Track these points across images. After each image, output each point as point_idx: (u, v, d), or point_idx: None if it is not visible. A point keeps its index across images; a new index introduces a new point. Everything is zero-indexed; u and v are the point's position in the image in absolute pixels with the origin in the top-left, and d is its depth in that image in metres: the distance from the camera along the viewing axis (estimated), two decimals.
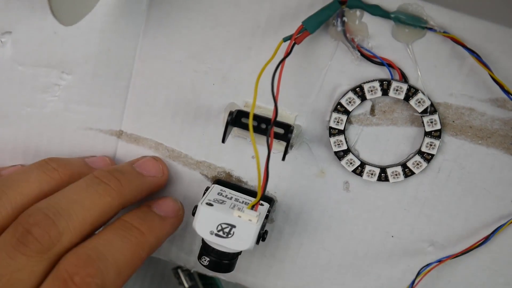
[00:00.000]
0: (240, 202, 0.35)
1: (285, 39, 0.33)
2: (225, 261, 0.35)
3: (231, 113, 0.34)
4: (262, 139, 0.37)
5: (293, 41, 0.33)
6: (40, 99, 0.37)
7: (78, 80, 0.37)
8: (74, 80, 0.37)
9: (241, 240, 0.33)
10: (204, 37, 0.35)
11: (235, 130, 0.37)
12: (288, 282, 0.40)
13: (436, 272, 0.38)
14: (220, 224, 0.33)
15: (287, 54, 0.32)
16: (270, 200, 0.38)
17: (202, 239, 0.35)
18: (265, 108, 0.36)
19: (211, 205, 0.34)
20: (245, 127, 0.36)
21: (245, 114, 0.36)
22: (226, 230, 0.33)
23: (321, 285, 0.40)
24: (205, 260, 0.35)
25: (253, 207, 0.34)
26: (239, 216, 0.33)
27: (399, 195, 0.37)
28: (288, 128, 0.35)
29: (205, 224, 0.34)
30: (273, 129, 0.32)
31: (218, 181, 0.38)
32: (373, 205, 0.37)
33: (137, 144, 0.39)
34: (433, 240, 0.37)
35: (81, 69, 0.36)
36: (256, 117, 0.36)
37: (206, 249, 0.35)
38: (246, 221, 0.33)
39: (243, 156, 0.37)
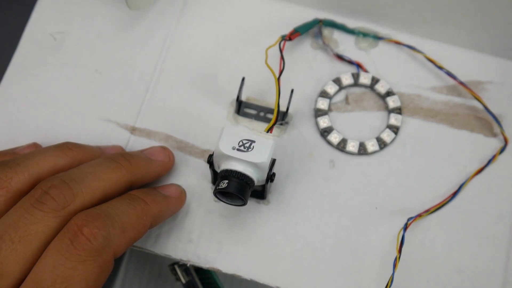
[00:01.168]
0: None
1: (282, 36, 0.45)
2: (243, 182, 0.38)
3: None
4: (262, 126, 0.44)
5: (289, 36, 0.45)
6: (75, 87, 0.43)
7: (108, 77, 0.44)
8: (104, 77, 0.44)
9: (260, 153, 0.38)
10: (215, 51, 0.46)
11: (239, 120, 0.44)
12: (286, 267, 0.41)
13: (420, 239, 0.42)
14: (241, 140, 0.38)
15: (288, 38, 0.44)
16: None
17: (220, 172, 0.38)
18: (262, 100, 0.45)
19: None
20: (248, 116, 0.44)
21: (249, 105, 0.45)
22: (247, 145, 0.38)
23: (318, 267, 0.41)
24: (223, 183, 0.38)
25: (268, 131, 0.39)
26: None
27: (377, 168, 0.43)
28: (283, 114, 0.44)
29: (228, 141, 0.38)
30: (280, 80, 0.41)
31: None
32: (356, 179, 0.43)
33: (148, 137, 0.44)
34: (411, 208, 0.42)
35: (112, 69, 0.44)
36: (255, 106, 0.44)
37: (224, 175, 0.38)
38: (264, 138, 0.38)
39: None
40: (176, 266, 0.44)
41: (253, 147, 0.38)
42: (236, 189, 0.38)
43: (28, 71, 0.44)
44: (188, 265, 0.42)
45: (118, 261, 0.51)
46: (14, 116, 0.43)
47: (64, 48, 0.45)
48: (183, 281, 0.43)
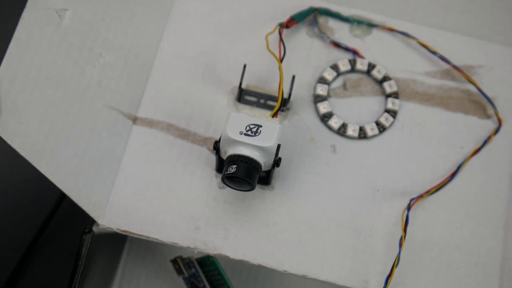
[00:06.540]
0: None
1: (280, 24, 0.45)
2: (251, 167, 0.38)
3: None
4: (262, 113, 0.44)
5: (286, 24, 0.45)
6: (80, 70, 0.42)
7: (112, 64, 0.44)
8: (109, 63, 0.43)
9: (267, 137, 0.38)
10: (214, 40, 0.46)
11: (239, 107, 0.44)
12: (292, 251, 0.41)
13: (422, 220, 0.43)
14: (248, 125, 0.39)
15: (285, 26, 0.45)
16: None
17: (227, 158, 0.38)
18: (260, 87, 0.45)
19: None
20: (248, 103, 0.45)
21: (249, 93, 0.45)
22: (254, 129, 0.38)
23: (324, 250, 0.42)
24: (232, 168, 0.38)
25: (273, 116, 0.40)
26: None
27: (377, 152, 0.44)
28: (284, 101, 0.44)
29: (235, 127, 0.39)
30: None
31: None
32: (357, 163, 0.44)
33: (150, 127, 0.44)
34: (412, 190, 0.43)
35: (116, 55, 0.44)
36: (256, 94, 0.45)
37: (232, 160, 0.38)
38: (270, 122, 0.39)
39: None
40: (178, 260, 0.44)
41: (260, 131, 0.39)
42: (244, 173, 0.38)
43: (31, 47, 0.42)
44: (192, 258, 0.42)
45: (116, 257, 0.51)
46: (20, 96, 0.41)
47: (68, 27, 0.44)
48: (186, 274, 0.43)
